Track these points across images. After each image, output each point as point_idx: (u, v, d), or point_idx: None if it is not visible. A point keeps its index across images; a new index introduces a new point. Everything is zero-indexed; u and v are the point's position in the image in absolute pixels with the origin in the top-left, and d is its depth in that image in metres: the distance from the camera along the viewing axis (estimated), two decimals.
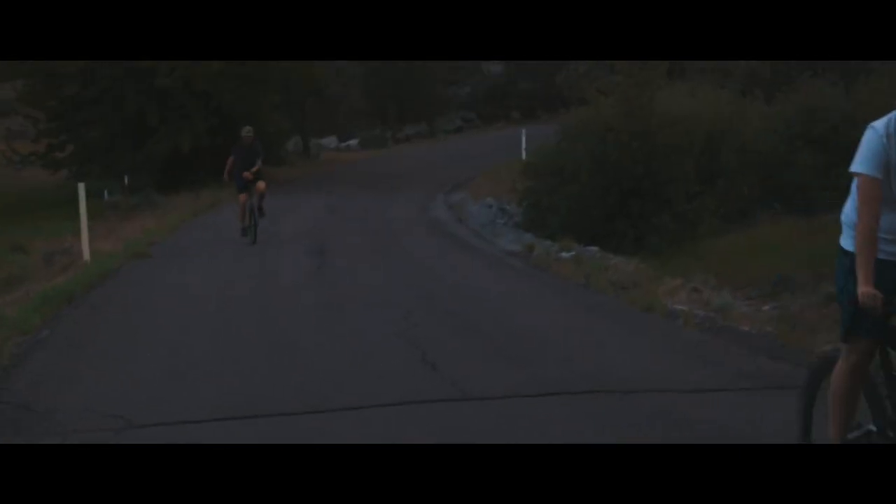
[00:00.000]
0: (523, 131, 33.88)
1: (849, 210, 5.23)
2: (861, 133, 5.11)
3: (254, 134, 19.71)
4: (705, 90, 26.23)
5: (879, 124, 5.06)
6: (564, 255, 16.76)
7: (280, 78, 37.16)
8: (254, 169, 19.20)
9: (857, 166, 5.05)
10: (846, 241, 5.20)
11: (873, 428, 5.27)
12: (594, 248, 17.77)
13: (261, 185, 19.43)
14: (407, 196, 29.56)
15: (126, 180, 33.77)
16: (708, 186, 22.05)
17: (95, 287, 14.97)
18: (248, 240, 19.14)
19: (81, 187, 18.18)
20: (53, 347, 10.71)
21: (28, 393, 8.64)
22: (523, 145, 32.48)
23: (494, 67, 56.61)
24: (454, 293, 13.58)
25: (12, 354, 10.29)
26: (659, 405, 7.57)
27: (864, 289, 4.87)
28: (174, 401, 8.15)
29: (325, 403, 7.85)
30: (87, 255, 17.80)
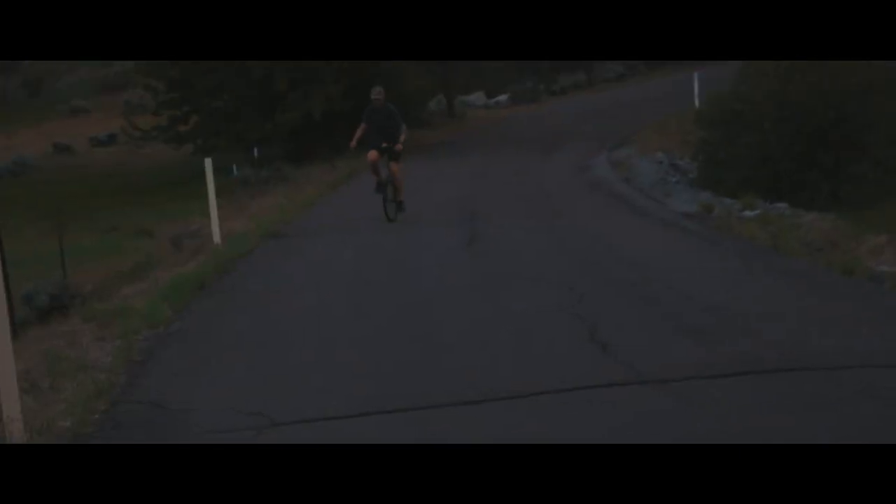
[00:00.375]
0: (696, 75, 33.38)
1: None
2: None
3: (385, 95, 19.20)
4: None
5: None
6: (748, 213, 16.46)
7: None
8: (398, 143, 18.61)
9: None
10: None
11: None
12: (783, 205, 17.40)
13: (394, 168, 18.80)
14: (565, 155, 29.45)
15: (255, 153, 34.40)
16: None
17: (228, 272, 15.29)
18: (388, 214, 18.82)
19: (208, 163, 18.55)
20: (186, 340, 10.95)
21: (161, 390, 8.86)
22: (696, 91, 32.00)
23: None
24: (623, 263, 13.46)
25: (142, 349, 10.57)
26: (867, 383, 7.36)
27: None
28: (318, 395, 8.27)
29: (486, 393, 7.84)
30: (217, 237, 18.18)
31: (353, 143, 19.04)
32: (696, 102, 30.68)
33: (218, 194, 18.73)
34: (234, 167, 32.62)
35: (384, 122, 18.75)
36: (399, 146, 18.67)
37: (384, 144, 18.71)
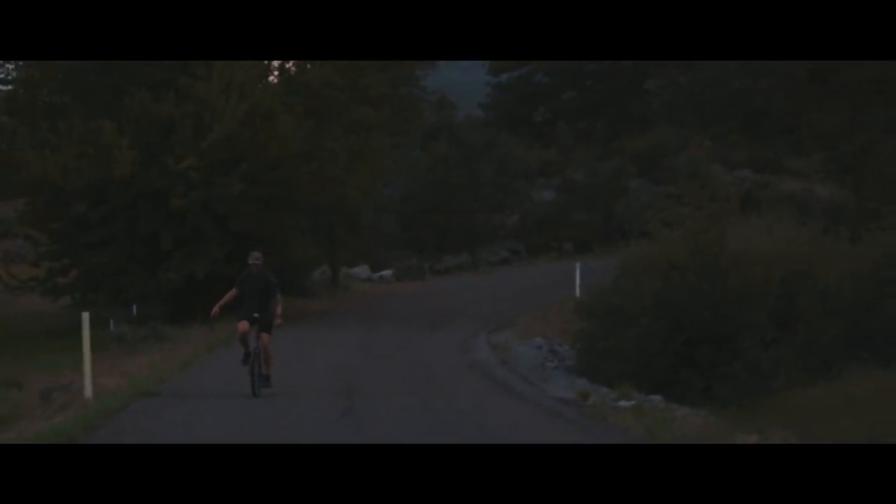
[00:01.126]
0: (577, 266, 34.04)
1: None
2: None
3: (263, 261, 18.10)
4: (783, 227, 26.27)
5: None
6: (624, 403, 16.67)
7: (307, 202, 37.36)
8: (277, 317, 17.70)
9: None
10: None
11: None
12: (657, 397, 17.67)
13: (265, 340, 17.71)
14: (446, 334, 29.59)
15: (135, 310, 34.01)
16: (785, 333, 21.94)
17: (97, 429, 14.96)
18: (254, 388, 17.73)
19: (85, 317, 18.32)
20: None
21: None
22: (577, 281, 32.56)
23: (546, 194, 57.06)
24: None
25: None
26: None
27: None
28: None
29: None
30: (89, 392, 17.86)
31: (217, 309, 18.04)
32: (578, 292, 31.19)
33: (93, 349, 18.47)
34: (111, 322, 32.20)
35: (259, 291, 17.75)
36: (279, 321, 17.79)
37: (255, 315, 17.63)
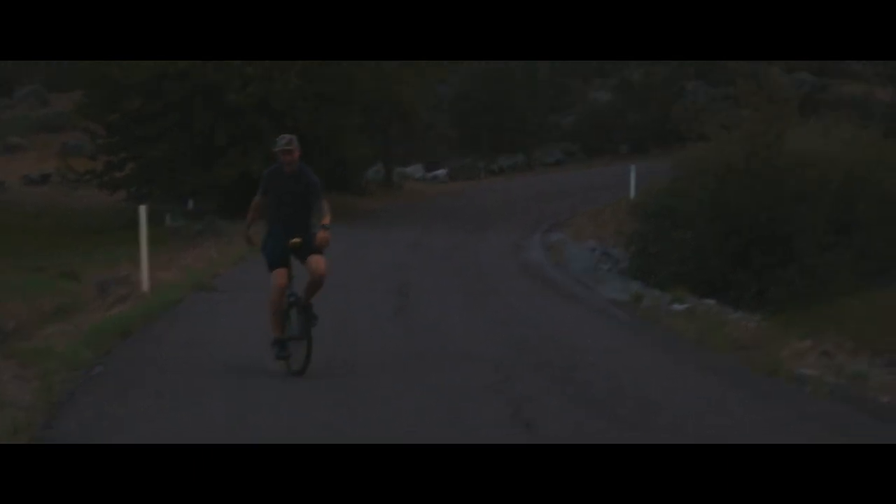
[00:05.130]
0: (632, 167, 33.82)
1: None
2: None
3: (298, 147, 11.48)
4: (842, 130, 25.85)
5: None
6: (677, 306, 16.64)
7: (363, 99, 37.34)
8: (324, 223, 11.17)
9: None
10: None
11: None
12: (710, 301, 17.61)
13: (318, 263, 11.33)
14: (499, 234, 29.60)
15: (190, 204, 34.23)
16: (842, 238, 21.73)
17: (155, 321, 15.16)
18: (293, 367, 11.34)
19: (142, 210, 18.46)
20: (106, 385, 10.85)
21: (79, 433, 8.77)
22: (632, 183, 32.39)
23: (601, 95, 56.59)
24: (551, 345, 13.51)
25: (62, 391, 10.44)
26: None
27: None
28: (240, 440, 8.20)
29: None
30: (146, 285, 18.05)
31: (249, 235, 12.21)
32: (633, 193, 31.05)
33: (149, 243, 18.61)
34: (168, 217, 32.43)
35: (295, 197, 11.38)
36: (326, 235, 11.21)
37: (295, 240, 11.33)
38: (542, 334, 14.39)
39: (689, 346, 13.72)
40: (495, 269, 22.65)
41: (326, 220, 11.13)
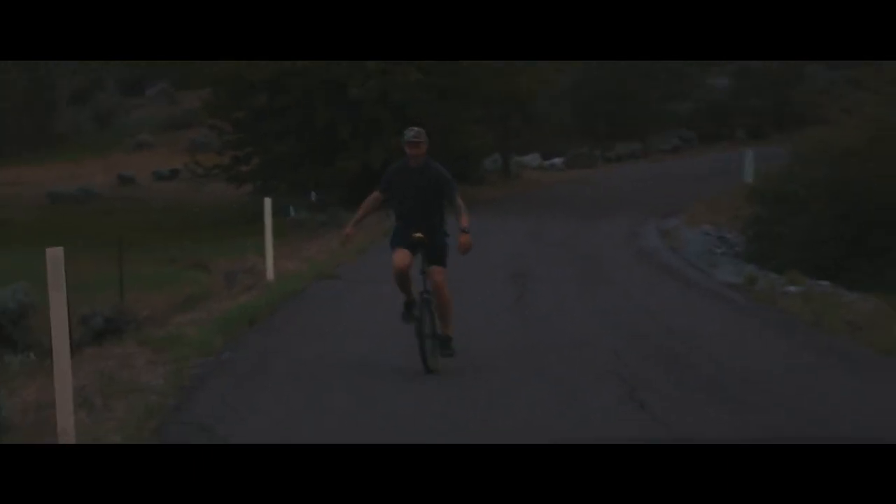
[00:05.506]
0: (749, 152, 33.48)
1: None
2: None
3: (427, 140, 10.92)
4: None
5: None
6: (792, 289, 16.54)
7: (481, 91, 37.53)
8: (462, 224, 10.61)
9: None
10: None
11: None
12: (825, 283, 17.46)
13: (438, 277, 10.90)
14: (616, 221, 29.57)
15: (314, 196, 34.76)
16: None
17: (280, 309, 15.54)
18: (426, 359, 10.81)
19: (267, 202, 18.88)
20: (235, 371, 11.17)
21: (209, 416, 9.09)
22: (749, 167, 32.10)
23: (719, 80, 55.99)
24: (665, 328, 13.58)
25: (192, 376, 10.81)
26: None
27: None
28: (362, 432, 8.44)
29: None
30: (271, 274, 18.46)
31: (350, 229, 11.62)
32: (750, 178, 30.77)
33: (274, 235, 19.01)
34: (291, 209, 32.95)
35: (421, 192, 10.92)
36: (466, 239, 10.65)
37: (418, 234, 10.88)
38: (657, 318, 14.45)
39: (805, 327, 13.66)
40: (612, 256, 22.65)
41: (465, 222, 10.57)
